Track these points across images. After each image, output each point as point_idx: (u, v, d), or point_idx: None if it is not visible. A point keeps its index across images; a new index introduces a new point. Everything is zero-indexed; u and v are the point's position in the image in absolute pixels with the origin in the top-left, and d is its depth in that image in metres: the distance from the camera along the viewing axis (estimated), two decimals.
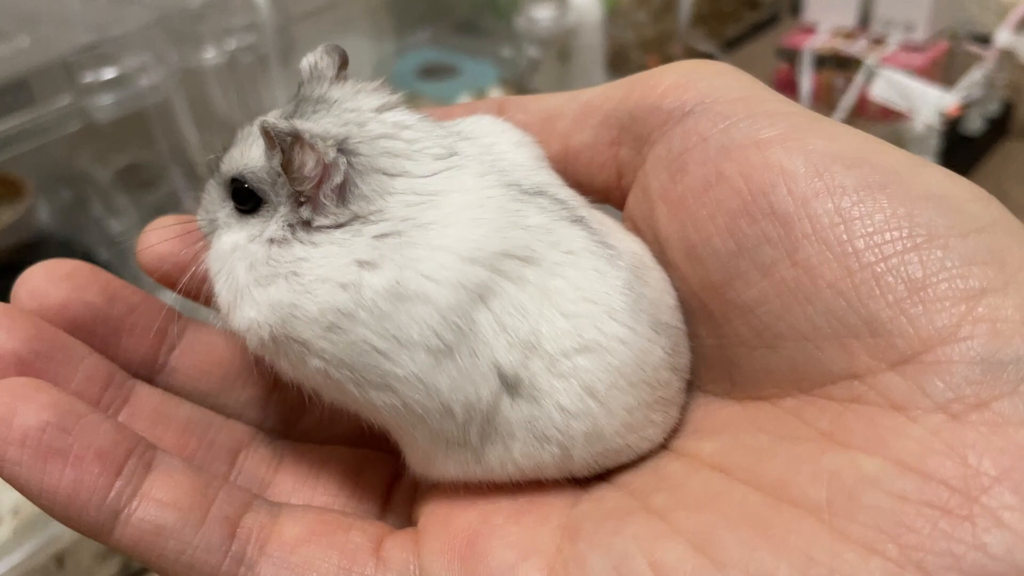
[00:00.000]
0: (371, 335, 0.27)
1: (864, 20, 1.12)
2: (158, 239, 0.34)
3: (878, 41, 1.09)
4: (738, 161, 0.28)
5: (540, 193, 0.30)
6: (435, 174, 0.29)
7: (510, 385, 0.28)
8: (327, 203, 0.29)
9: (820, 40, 1.12)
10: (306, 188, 0.28)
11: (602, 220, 0.31)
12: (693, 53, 1.17)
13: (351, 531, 0.30)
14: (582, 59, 1.11)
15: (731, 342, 0.29)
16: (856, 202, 0.25)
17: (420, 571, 0.28)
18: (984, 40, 1.06)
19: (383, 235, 0.28)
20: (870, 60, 1.04)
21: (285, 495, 0.32)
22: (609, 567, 0.25)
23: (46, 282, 0.31)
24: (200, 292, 0.33)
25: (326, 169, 0.28)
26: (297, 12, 0.87)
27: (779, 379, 0.27)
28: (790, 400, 0.27)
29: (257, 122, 0.30)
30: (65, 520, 0.27)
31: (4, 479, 0.27)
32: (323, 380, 0.29)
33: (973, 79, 1.02)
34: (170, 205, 0.81)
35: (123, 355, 0.33)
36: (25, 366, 0.29)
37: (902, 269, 0.24)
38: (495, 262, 0.28)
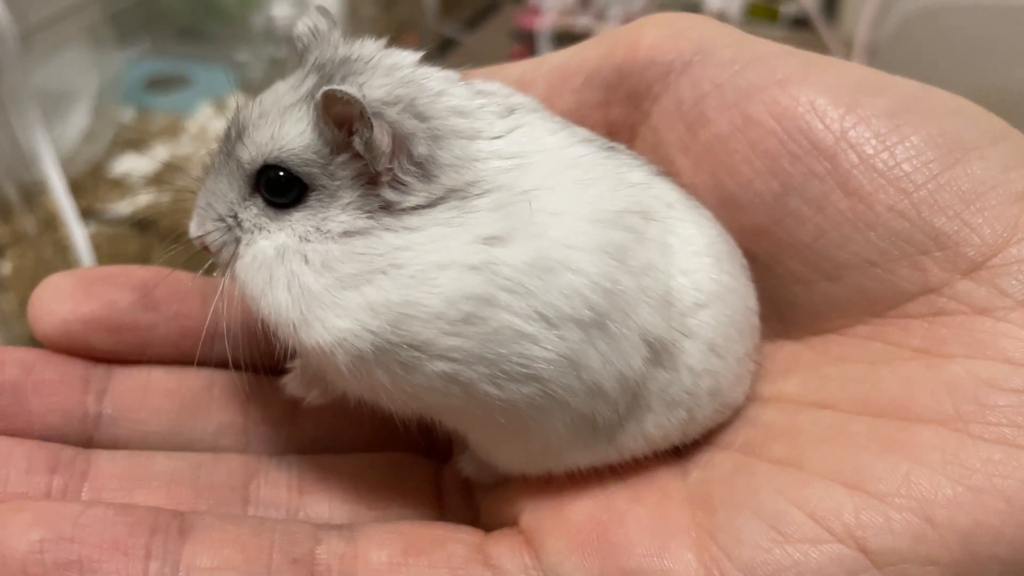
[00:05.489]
0: (515, 319, 0.24)
1: None
2: (55, 298, 0.28)
3: (600, 16, 1.17)
4: (764, 102, 0.28)
5: (613, 148, 0.28)
6: (508, 133, 0.26)
7: (655, 351, 0.27)
8: (410, 179, 0.25)
9: (549, 19, 1.17)
10: (382, 165, 0.24)
11: None
12: (438, 38, 1.17)
13: (448, 543, 0.26)
14: None
15: (782, 282, 0.29)
16: (892, 128, 0.27)
17: (545, 573, 0.26)
18: (696, 8, 1.17)
19: (501, 206, 0.25)
20: (600, 32, 1.11)
21: (324, 517, 0.28)
22: (765, 529, 0.24)
23: None
24: (128, 351, 0.28)
25: (399, 140, 0.24)
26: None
27: (846, 308, 0.28)
28: (862, 327, 0.28)
29: (295, 91, 0.25)
30: None
31: None
32: (441, 387, 0.25)
33: None
34: None
35: (38, 422, 0.27)
36: None
37: (952, 184, 0.26)
38: (621, 220, 0.26)
